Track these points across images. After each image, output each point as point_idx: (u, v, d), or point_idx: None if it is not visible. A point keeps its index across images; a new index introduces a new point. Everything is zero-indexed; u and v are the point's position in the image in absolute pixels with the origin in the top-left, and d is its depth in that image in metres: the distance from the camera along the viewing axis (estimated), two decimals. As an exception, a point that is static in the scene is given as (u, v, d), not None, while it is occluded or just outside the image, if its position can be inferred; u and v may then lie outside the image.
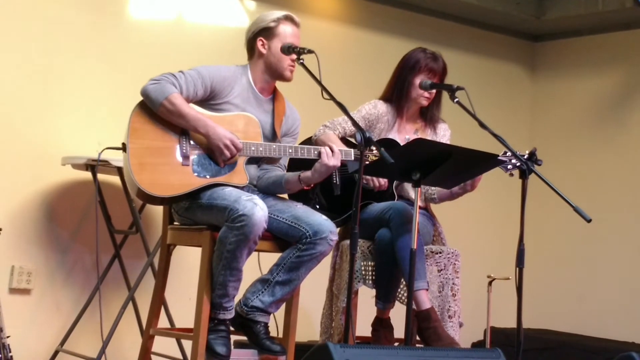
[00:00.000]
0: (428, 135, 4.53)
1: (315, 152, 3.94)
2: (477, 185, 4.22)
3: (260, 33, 4.04)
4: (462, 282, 4.40)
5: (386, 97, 4.52)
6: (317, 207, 4.36)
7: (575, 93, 6.94)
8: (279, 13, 4.06)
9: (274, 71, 4.04)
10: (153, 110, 3.85)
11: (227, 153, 3.86)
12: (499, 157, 4.05)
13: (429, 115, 4.52)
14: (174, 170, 3.85)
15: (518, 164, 3.94)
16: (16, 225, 4.77)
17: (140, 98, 3.87)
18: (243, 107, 4.00)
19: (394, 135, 4.45)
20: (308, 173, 3.95)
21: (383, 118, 4.48)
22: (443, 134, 4.55)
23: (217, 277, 3.80)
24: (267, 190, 4.10)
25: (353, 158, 4.00)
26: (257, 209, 3.70)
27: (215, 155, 3.89)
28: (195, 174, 3.87)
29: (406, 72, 4.44)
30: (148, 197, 3.85)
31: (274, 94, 4.13)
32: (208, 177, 3.88)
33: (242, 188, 3.94)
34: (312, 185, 4.09)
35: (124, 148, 3.84)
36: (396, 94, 4.47)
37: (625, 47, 6.68)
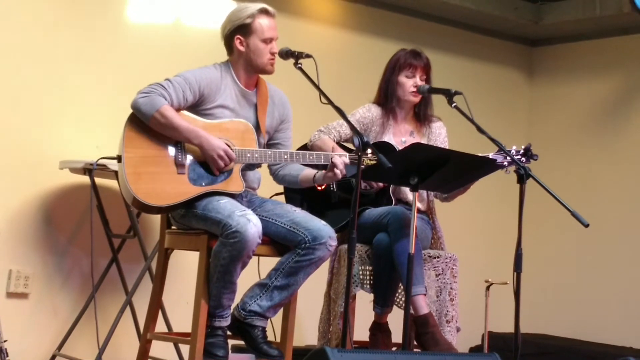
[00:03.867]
0: (424, 134, 4.54)
1: (311, 158, 3.95)
2: None
3: (236, 31, 3.99)
4: (460, 287, 4.40)
5: (378, 102, 4.55)
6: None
7: (572, 98, 6.94)
8: (253, 7, 3.98)
9: (255, 67, 4.01)
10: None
11: (221, 163, 3.86)
12: (497, 162, 4.06)
13: (422, 115, 4.54)
14: (169, 179, 3.84)
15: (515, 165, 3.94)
16: (14, 229, 4.77)
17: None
18: (233, 107, 3.99)
19: (389, 138, 4.46)
20: (320, 177, 3.98)
21: (377, 121, 4.49)
22: (439, 132, 4.56)
23: (212, 288, 3.81)
24: (282, 184, 4.17)
25: (349, 161, 4.00)
26: (250, 225, 3.70)
27: (210, 166, 3.88)
28: (191, 182, 3.86)
29: (389, 73, 4.50)
30: (144, 206, 3.84)
31: (257, 85, 4.10)
32: (204, 185, 3.87)
33: (239, 195, 3.94)
34: (325, 186, 4.10)
35: (119, 159, 3.83)
36: (385, 97, 4.50)
37: (623, 52, 6.69)
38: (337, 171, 3.92)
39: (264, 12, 3.98)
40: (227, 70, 4.03)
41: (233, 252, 3.71)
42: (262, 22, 3.97)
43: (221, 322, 3.86)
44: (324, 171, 3.98)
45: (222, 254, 3.74)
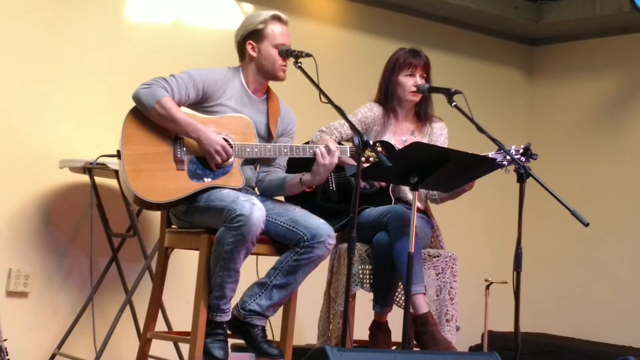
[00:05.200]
0: (425, 134, 4.54)
1: (311, 152, 3.94)
2: (474, 184, 4.24)
3: (249, 36, 4.02)
4: (459, 286, 4.40)
5: (379, 101, 4.54)
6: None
7: (572, 97, 6.94)
8: (266, 14, 4.02)
9: (267, 72, 4.03)
10: (146, 116, 3.85)
11: (218, 158, 3.86)
12: (497, 161, 4.06)
13: (422, 114, 4.54)
14: (169, 175, 3.85)
15: (514, 165, 3.94)
16: (13, 228, 4.77)
17: (134, 104, 3.87)
18: (237, 108, 4.00)
19: (389, 137, 4.46)
20: (309, 176, 3.95)
21: (379, 120, 4.49)
22: (440, 133, 4.56)
23: (215, 278, 3.80)
24: (269, 193, 4.10)
25: (349, 154, 3.99)
26: (255, 209, 3.70)
27: (207, 160, 3.89)
28: (191, 178, 3.87)
29: (389, 73, 4.49)
30: (145, 203, 3.84)
31: (268, 94, 4.13)
32: (204, 180, 3.88)
33: (238, 190, 3.94)
34: (313, 188, 4.09)
35: (118, 155, 3.84)
36: (385, 97, 4.50)
37: (623, 52, 6.69)
38: (317, 151, 3.87)
39: (276, 18, 4.01)
40: (236, 73, 4.05)
41: (238, 236, 3.70)
42: (275, 28, 3.99)
43: (222, 317, 3.84)
44: (309, 174, 3.96)
45: (226, 240, 3.72)
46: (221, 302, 3.82)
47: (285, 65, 4.02)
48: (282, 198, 4.30)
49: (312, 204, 4.34)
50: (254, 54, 4.02)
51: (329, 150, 3.89)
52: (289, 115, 4.19)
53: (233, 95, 4.00)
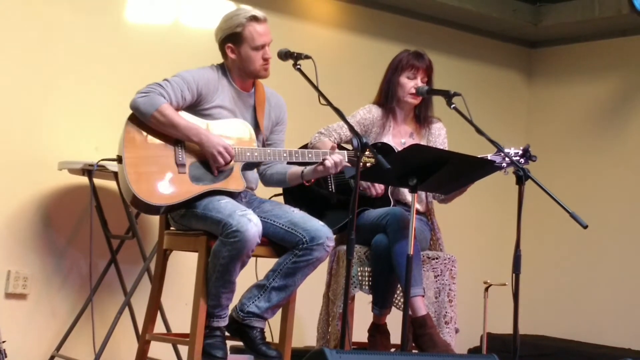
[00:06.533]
0: (424, 136, 4.54)
1: (309, 156, 3.95)
2: None
3: (227, 40, 3.99)
4: (458, 288, 4.40)
5: (379, 102, 4.55)
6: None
7: (571, 99, 6.94)
8: (243, 15, 3.96)
9: (249, 73, 4.02)
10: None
11: (221, 160, 3.86)
12: (496, 163, 4.06)
13: (421, 117, 4.54)
14: (171, 178, 3.84)
15: (513, 167, 3.94)
16: (12, 229, 4.77)
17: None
18: (232, 108, 4.00)
19: (388, 139, 4.46)
20: (309, 171, 3.98)
21: (378, 122, 4.49)
22: (438, 133, 4.57)
23: (211, 288, 3.81)
24: (271, 186, 4.16)
25: (346, 159, 4.00)
26: (251, 225, 3.70)
27: (210, 163, 3.88)
28: (192, 181, 3.87)
29: (391, 73, 4.49)
30: (146, 206, 3.83)
31: (254, 86, 4.11)
32: (205, 183, 3.88)
33: (239, 194, 3.94)
34: (312, 181, 4.09)
35: (119, 160, 3.83)
36: (385, 97, 4.50)
37: (622, 54, 6.69)
38: (328, 163, 3.91)
39: (253, 19, 3.96)
40: (223, 72, 4.04)
41: (233, 251, 3.71)
42: (252, 30, 3.96)
43: (219, 322, 3.86)
44: (312, 166, 3.98)
45: (221, 253, 3.74)
46: (216, 310, 3.85)
47: (266, 64, 4.00)
48: (281, 199, 4.31)
49: (311, 207, 4.34)
50: (233, 56, 4.00)
51: (336, 164, 3.92)
52: (279, 102, 4.18)
53: (225, 94, 4.00)
